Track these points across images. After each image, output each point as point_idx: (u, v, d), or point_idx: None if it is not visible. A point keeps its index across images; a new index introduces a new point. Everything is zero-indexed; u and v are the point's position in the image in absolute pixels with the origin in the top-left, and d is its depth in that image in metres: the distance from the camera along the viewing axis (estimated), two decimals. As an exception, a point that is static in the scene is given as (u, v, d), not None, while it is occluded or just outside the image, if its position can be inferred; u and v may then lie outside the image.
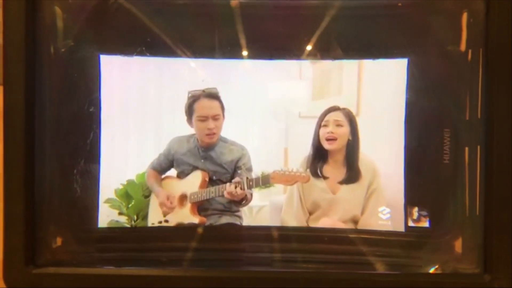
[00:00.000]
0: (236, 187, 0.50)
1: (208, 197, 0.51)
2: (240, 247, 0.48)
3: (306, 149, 0.51)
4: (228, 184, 0.51)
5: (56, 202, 0.46)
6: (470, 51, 0.45)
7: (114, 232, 0.48)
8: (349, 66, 0.49)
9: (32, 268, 0.44)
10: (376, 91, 0.48)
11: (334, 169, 0.51)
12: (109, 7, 0.46)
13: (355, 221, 0.49)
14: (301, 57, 0.47)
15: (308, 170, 0.50)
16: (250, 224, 0.50)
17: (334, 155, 0.51)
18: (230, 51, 0.47)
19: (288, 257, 0.47)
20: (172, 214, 0.51)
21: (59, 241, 0.46)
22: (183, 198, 0.52)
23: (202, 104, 0.51)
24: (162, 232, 0.50)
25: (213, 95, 0.50)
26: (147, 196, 0.52)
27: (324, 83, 0.50)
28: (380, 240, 0.47)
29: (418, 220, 0.47)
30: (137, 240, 0.49)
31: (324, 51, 0.47)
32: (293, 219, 0.51)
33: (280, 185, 0.50)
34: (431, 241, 0.46)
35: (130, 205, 0.50)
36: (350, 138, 0.50)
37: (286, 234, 0.48)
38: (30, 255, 0.45)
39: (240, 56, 0.47)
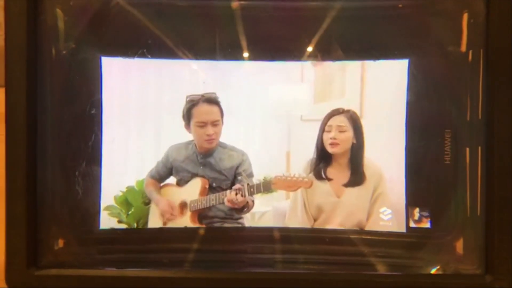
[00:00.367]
0: (236, 194, 0.49)
1: (208, 205, 0.50)
2: (242, 248, 0.47)
3: (308, 153, 0.50)
4: (228, 191, 0.50)
5: (58, 204, 0.46)
6: (470, 51, 0.45)
7: (116, 233, 0.48)
8: (351, 68, 0.48)
9: (34, 269, 0.44)
10: (377, 92, 0.48)
11: (338, 172, 0.50)
12: (110, 9, 0.46)
13: (360, 227, 0.49)
14: (302, 58, 0.47)
15: (311, 174, 0.50)
16: (252, 225, 0.50)
17: (338, 158, 0.50)
18: (231, 52, 0.47)
19: (289, 258, 0.47)
20: (172, 222, 0.51)
21: (61, 242, 0.46)
22: (183, 206, 0.51)
23: (201, 109, 0.50)
24: (163, 234, 0.50)
25: (212, 100, 0.49)
26: (147, 204, 0.51)
27: (326, 86, 0.49)
28: (382, 241, 0.47)
29: (419, 220, 0.47)
30: (139, 242, 0.49)
31: (325, 52, 0.47)
32: (297, 225, 0.50)
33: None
34: (432, 241, 0.46)
35: (130, 212, 0.50)
36: (355, 141, 0.50)
37: (287, 235, 0.48)
38: (32, 257, 0.45)
39: (241, 58, 0.47)
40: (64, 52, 0.46)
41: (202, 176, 0.51)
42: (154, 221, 0.50)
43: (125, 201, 0.50)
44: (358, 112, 0.49)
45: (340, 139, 0.50)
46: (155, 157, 0.51)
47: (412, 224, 0.47)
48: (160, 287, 0.44)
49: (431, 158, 0.46)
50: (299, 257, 0.47)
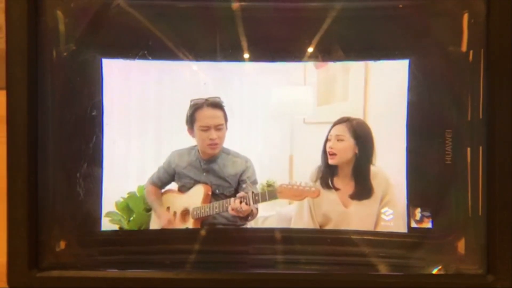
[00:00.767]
0: (241, 203, 0.48)
1: (212, 213, 0.50)
2: (244, 249, 0.47)
3: (311, 157, 0.49)
4: (232, 199, 0.49)
5: (60, 206, 0.46)
6: (471, 51, 0.45)
7: (118, 235, 0.48)
8: (353, 69, 0.48)
9: (36, 271, 0.44)
10: (378, 93, 0.48)
11: (344, 183, 0.50)
12: (111, 11, 0.46)
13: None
14: (303, 59, 0.47)
15: (318, 182, 0.49)
16: (254, 226, 0.50)
17: (342, 168, 0.50)
18: (232, 53, 0.47)
19: (291, 259, 0.47)
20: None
21: (62, 244, 0.46)
22: (185, 213, 0.51)
23: (205, 113, 0.49)
24: (165, 235, 0.50)
25: (216, 104, 0.49)
26: (148, 210, 0.50)
27: (329, 88, 0.49)
28: (383, 241, 0.47)
29: (420, 221, 0.47)
30: (140, 243, 0.49)
31: (326, 53, 0.47)
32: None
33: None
34: (434, 242, 0.46)
35: (131, 219, 0.50)
36: (357, 152, 0.49)
37: (289, 236, 0.48)
38: (34, 259, 0.45)
39: (242, 59, 0.47)
40: (65, 54, 0.46)
41: (205, 183, 0.50)
42: (156, 227, 0.50)
43: (126, 207, 0.49)
44: (361, 114, 0.48)
45: (337, 149, 0.49)
46: (156, 162, 0.51)
47: (413, 224, 0.47)
48: (162, 288, 0.44)
49: (432, 158, 0.46)
50: (301, 258, 0.47)
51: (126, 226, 0.49)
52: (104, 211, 0.48)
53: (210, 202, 0.50)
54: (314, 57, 0.47)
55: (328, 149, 0.49)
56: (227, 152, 0.50)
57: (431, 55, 0.46)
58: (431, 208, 0.47)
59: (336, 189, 0.50)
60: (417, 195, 0.47)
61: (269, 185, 0.49)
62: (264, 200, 0.49)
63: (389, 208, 0.48)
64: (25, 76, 0.43)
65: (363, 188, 0.49)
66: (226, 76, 0.49)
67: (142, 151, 0.50)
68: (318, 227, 0.49)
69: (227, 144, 0.51)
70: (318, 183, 0.49)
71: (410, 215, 0.47)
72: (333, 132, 0.49)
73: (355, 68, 0.48)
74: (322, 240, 0.48)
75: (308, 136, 0.49)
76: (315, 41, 0.46)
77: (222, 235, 0.49)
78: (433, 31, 0.45)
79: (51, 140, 0.45)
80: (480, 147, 0.44)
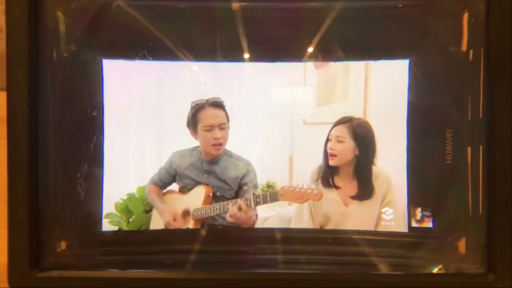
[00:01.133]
0: (240, 210, 0.48)
1: (212, 214, 0.50)
2: (244, 249, 0.47)
3: (312, 157, 0.49)
4: (231, 203, 0.49)
5: (60, 206, 0.46)
6: (471, 51, 0.45)
7: (118, 235, 0.48)
8: (353, 70, 0.48)
9: (37, 271, 0.45)
10: (379, 93, 0.48)
11: (345, 182, 0.49)
12: (111, 11, 0.46)
13: (367, 232, 0.48)
14: (303, 59, 0.47)
15: (319, 181, 0.49)
16: (254, 226, 0.50)
17: (343, 168, 0.49)
18: (232, 54, 0.47)
19: (292, 258, 0.47)
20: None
21: (63, 244, 0.46)
22: (185, 214, 0.51)
23: (208, 113, 0.49)
24: (165, 235, 0.50)
25: (217, 104, 0.49)
26: (148, 211, 0.50)
27: (329, 88, 0.49)
28: (384, 241, 0.47)
29: (421, 220, 0.47)
30: (141, 243, 0.49)
31: (326, 53, 0.47)
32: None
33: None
34: (434, 241, 0.46)
35: (130, 220, 0.49)
36: (358, 153, 0.49)
37: (290, 236, 0.48)
38: (35, 259, 0.45)
39: (242, 59, 0.47)
40: (65, 54, 0.46)
41: (206, 184, 0.50)
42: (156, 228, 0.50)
43: (125, 209, 0.49)
44: (361, 114, 0.48)
45: (337, 150, 0.49)
46: (157, 163, 0.51)
47: (414, 224, 0.47)
48: (163, 288, 0.45)
49: (433, 158, 0.46)
50: (302, 258, 0.47)
51: (125, 228, 0.49)
52: (104, 213, 0.48)
53: (211, 204, 0.50)
54: (314, 57, 0.47)
55: (328, 150, 0.49)
56: (229, 154, 0.50)
57: (431, 54, 0.46)
58: (431, 207, 0.47)
59: (337, 188, 0.50)
60: (418, 194, 0.47)
61: (269, 186, 0.49)
62: (265, 202, 0.49)
63: (390, 208, 0.48)
64: (26, 77, 0.43)
65: (364, 188, 0.49)
66: (226, 77, 0.49)
67: (142, 151, 0.50)
68: (318, 227, 0.49)
69: (227, 144, 0.50)
70: (319, 182, 0.49)
71: (410, 214, 0.47)
72: (334, 132, 0.49)
73: (355, 68, 0.48)
74: (323, 240, 0.48)
75: (308, 136, 0.49)
76: (315, 41, 0.46)
77: (222, 235, 0.49)
78: (433, 30, 0.45)
79: (52, 141, 0.46)
80: (480, 147, 0.44)
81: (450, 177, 0.46)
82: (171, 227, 0.50)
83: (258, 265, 0.47)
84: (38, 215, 0.45)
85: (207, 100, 0.49)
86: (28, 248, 0.44)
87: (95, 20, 0.46)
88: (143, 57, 0.47)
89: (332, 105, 0.49)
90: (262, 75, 0.48)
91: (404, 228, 0.47)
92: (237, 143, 0.50)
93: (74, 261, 0.46)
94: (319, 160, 0.49)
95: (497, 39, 0.43)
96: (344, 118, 0.48)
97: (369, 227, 0.48)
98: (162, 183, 0.51)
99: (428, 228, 0.47)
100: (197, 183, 0.51)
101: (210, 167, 0.51)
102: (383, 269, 0.46)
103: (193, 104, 0.49)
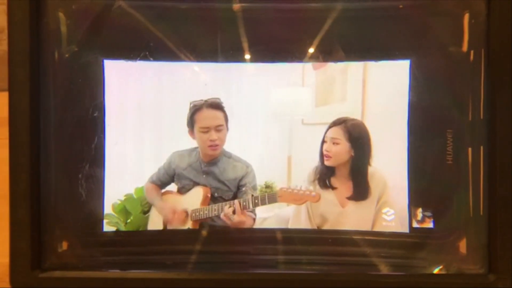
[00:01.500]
0: (234, 213, 0.48)
1: (210, 215, 0.49)
2: (245, 249, 0.47)
3: (310, 158, 0.49)
4: (228, 206, 0.49)
5: (62, 207, 0.46)
6: (471, 52, 0.45)
7: (119, 235, 0.48)
8: (352, 70, 0.48)
9: (38, 271, 0.45)
10: (379, 94, 0.48)
11: (341, 183, 0.49)
12: (112, 12, 0.46)
13: (364, 232, 0.48)
14: (303, 59, 0.47)
15: (317, 182, 0.49)
16: (254, 227, 0.50)
17: (339, 169, 0.49)
18: (233, 54, 0.47)
19: (292, 259, 0.47)
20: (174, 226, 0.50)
21: (64, 245, 0.47)
22: (184, 215, 0.50)
23: (204, 114, 0.49)
24: (166, 236, 0.50)
25: (216, 105, 0.49)
26: (146, 212, 0.50)
27: (328, 89, 0.49)
28: (385, 241, 0.47)
29: (422, 221, 0.47)
30: (142, 244, 0.49)
31: (326, 54, 0.47)
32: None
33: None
34: (435, 241, 0.46)
35: (128, 221, 0.49)
36: (353, 154, 0.49)
37: (290, 237, 0.48)
38: (36, 259, 0.45)
39: (242, 60, 0.47)
40: (67, 55, 0.46)
41: (204, 185, 0.50)
42: (154, 228, 0.50)
43: (123, 210, 0.49)
44: (359, 115, 0.48)
45: (332, 152, 0.49)
46: (156, 163, 0.51)
47: (415, 224, 0.47)
48: (163, 289, 0.45)
49: (433, 158, 0.46)
50: (302, 258, 0.47)
51: (123, 229, 0.49)
52: (108, 203, 0.48)
53: (209, 205, 0.50)
54: (314, 57, 0.47)
55: (324, 152, 0.49)
56: (228, 155, 0.50)
57: (432, 55, 0.46)
58: (432, 208, 0.47)
59: (334, 188, 0.50)
60: (419, 195, 0.47)
61: (267, 186, 0.49)
62: (263, 203, 0.49)
63: (388, 208, 0.48)
64: (27, 77, 0.43)
65: (360, 189, 0.49)
66: (226, 77, 0.49)
67: (142, 152, 0.50)
68: (315, 228, 0.49)
69: (226, 145, 0.50)
70: (316, 183, 0.49)
71: (411, 215, 0.47)
72: (329, 134, 0.49)
73: (353, 68, 0.48)
74: (324, 241, 0.48)
75: (307, 136, 0.49)
76: (315, 41, 0.46)
77: (223, 236, 0.49)
78: (434, 31, 0.45)
79: (53, 141, 0.46)
80: (481, 147, 0.44)
81: (451, 177, 0.46)
82: (170, 223, 0.50)
83: (258, 265, 0.47)
84: (39, 215, 0.45)
85: (205, 101, 0.49)
86: (29, 249, 0.44)
87: (96, 21, 0.46)
88: (144, 58, 0.47)
89: (331, 105, 0.49)
90: (262, 75, 0.48)
91: (405, 229, 0.47)
92: (236, 143, 0.50)
93: (75, 261, 0.46)
94: (317, 160, 0.50)
95: (498, 40, 0.43)
96: (339, 119, 0.48)
97: (366, 227, 0.48)
98: (160, 182, 0.51)
99: (429, 229, 0.47)
100: (196, 184, 0.51)
101: (209, 168, 0.51)
102: (384, 269, 0.46)
103: (192, 104, 0.49)
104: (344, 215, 0.49)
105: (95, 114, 0.47)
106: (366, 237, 0.48)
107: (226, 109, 0.49)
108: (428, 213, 0.47)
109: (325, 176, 0.49)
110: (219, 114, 0.49)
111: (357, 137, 0.48)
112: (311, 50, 0.47)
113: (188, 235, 0.49)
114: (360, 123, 0.48)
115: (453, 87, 0.45)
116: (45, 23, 0.45)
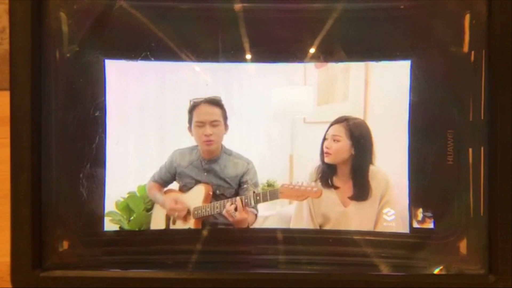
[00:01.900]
0: (236, 210, 0.48)
1: (213, 213, 0.50)
2: (246, 249, 0.47)
3: (312, 156, 0.49)
4: (230, 203, 0.49)
5: (63, 206, 0.46)
6: (472, 52, 0.45)
7: (120, 235, 0.48)
8: (354, 70, 0.48)
9: (39, 271, 0.45)
10: (380, 94, 0.48)
11: (343, 182, 0.49)
12: (114, 12, 0.46)
13: (366, 232, 0.48)
14: (305, 60, 0.47)
15: (319, 181, 0.49)
16: (255, 227, 0.50)
17: (340, 167, 0.49)
18: (234, 54, 0.47)
19: (293, 259, 0.47)
20: (176, 225, 0.50)
21: (65, 244, 0.47)
22: (186, 213, 0.51)
23: (201, 110, 0.49)
24: (167, 235, 0.50)
25: (213, 101, 0.49)
26: (149, 210, 0.50)
27: (330, 88, 0.49)
28: (385, 242, 0.47)
29: (422, 221, 0.47)
30: (143, 243, 0.49)
31: (327, 54, 0.47)
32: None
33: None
34: (435, 242, 0.46)
35: (131, 219, 0.49)
36: (353, 153, 0.49)
37: (291, 236, 0.48)
38: (37, 259, 0.45)
39: (243, 60, 0.47)
40: (68, 55, 0.46)
41: (206, 183, 0.50)
42: (157, 227, 0.50)
43: (126, 207, 0.49)
44: (361, 115, 0.48)
45: (332, 149, 0.49)
46: (158, 162, 0.51)
47: (415, 225, 0.47)
48: (165, 288, 0.45)
49: (434, 159, 0.46)
50: (303, 258, 0.47)
51: (126, 226, 0.49)
52: (109, 202, 0.48)
53: (211, 202, 0.50)
54: (316, 58, 0.47)
55: (324, 149, 0.49)
56: (228, 153, 0.50)
57: (433, 56, 0.46)
58: (433, 208, 0.47)
59: (336, 188, 0.50)
60: (419, 195, 0.47)
61: (269, 185, 0.49)
62: (265, 200, 0.49)
63: (389, 208, 0.48)
64: (29, 77, 0.43)
65: (361, 189, 0.49)
66: (227, 77, 0.49)
67: (144, 151, 0.50)
68: (317, 227, 0.49)
69: (228, 143, 0.51)
70: (318, 183, 0.49)
71: (412, 215, 0.47)
72: (331, 131, 0.49)
73: (355, 68, 0.48)
74: (325, 240, 0.48)
75: (308, 135, 0.49)
76: (317, 42, 0.46)
77: (224, 235, 0.49)
78: (435, 32, 0.45)
79: (54, 141, 0.46)
80: (482, 148, 0.44)
81: (451, 178, 0.46)
82: (172, 213, 0.50)
83: (260, 265, 0.47)
84: (40, 215, 0.45)
85: (205, 98, 0.49)
86: (30, 248, 0.44)
87: (98, 21, 0.46)
88: (146, 58, 0.47)
89: (332, 104, 0.49)
90: (263, 75, 0.48)
91: (405, 229, 0.47)
92: (238, 142, 0.50)
93: (76, 260, 0.46)
94: (318, 159, 0.50)
95: (499, 40, 0.43)
96: (341, 117, 0.48)
97: (368, 227, 0.48)
98: (162, 181, 0.51)
99: (430, 229, 0.47)
100: (197, 181, 0.51)
101: (210, 166, 0.51)
102: (384, 269, 0.46)
103: (191, 102, 0.49)
104: (347, 215, 0.49)
105: (96, 114, 0.47)
106: (367, 237, 0.48)
107: (226, 108, 0.49)
108: (429, 214, 0.47)
109: (327, 175, 0.49)
110: (216, 110, 0.49)
111: (358, 136, 0.48)
112: (312, 50, 0.47)
113: (189, 234, 0.50)
114: (362, 122, 0.48)
115: (454, 88, 0.45)
116: (47, 22, 0.45)
